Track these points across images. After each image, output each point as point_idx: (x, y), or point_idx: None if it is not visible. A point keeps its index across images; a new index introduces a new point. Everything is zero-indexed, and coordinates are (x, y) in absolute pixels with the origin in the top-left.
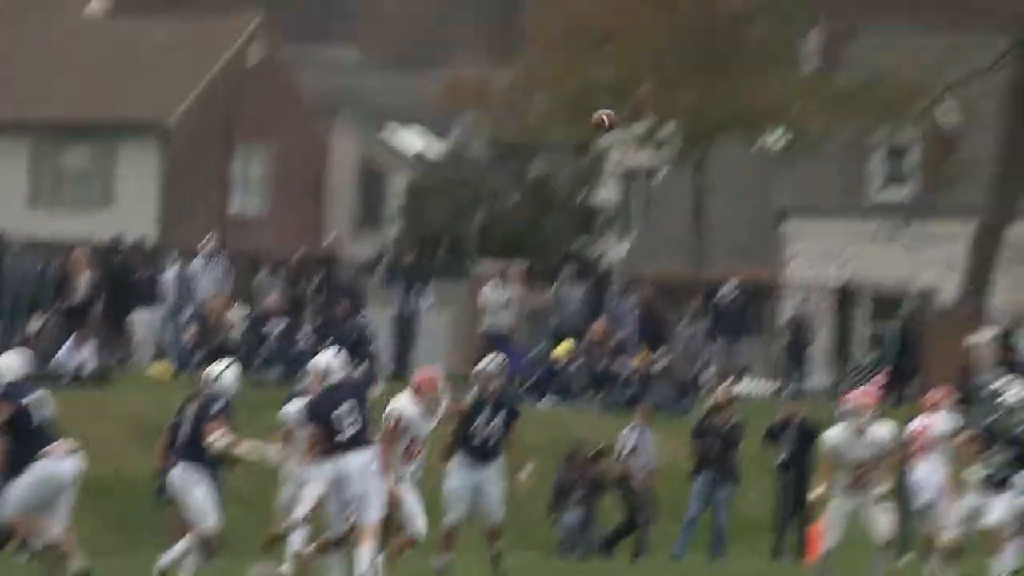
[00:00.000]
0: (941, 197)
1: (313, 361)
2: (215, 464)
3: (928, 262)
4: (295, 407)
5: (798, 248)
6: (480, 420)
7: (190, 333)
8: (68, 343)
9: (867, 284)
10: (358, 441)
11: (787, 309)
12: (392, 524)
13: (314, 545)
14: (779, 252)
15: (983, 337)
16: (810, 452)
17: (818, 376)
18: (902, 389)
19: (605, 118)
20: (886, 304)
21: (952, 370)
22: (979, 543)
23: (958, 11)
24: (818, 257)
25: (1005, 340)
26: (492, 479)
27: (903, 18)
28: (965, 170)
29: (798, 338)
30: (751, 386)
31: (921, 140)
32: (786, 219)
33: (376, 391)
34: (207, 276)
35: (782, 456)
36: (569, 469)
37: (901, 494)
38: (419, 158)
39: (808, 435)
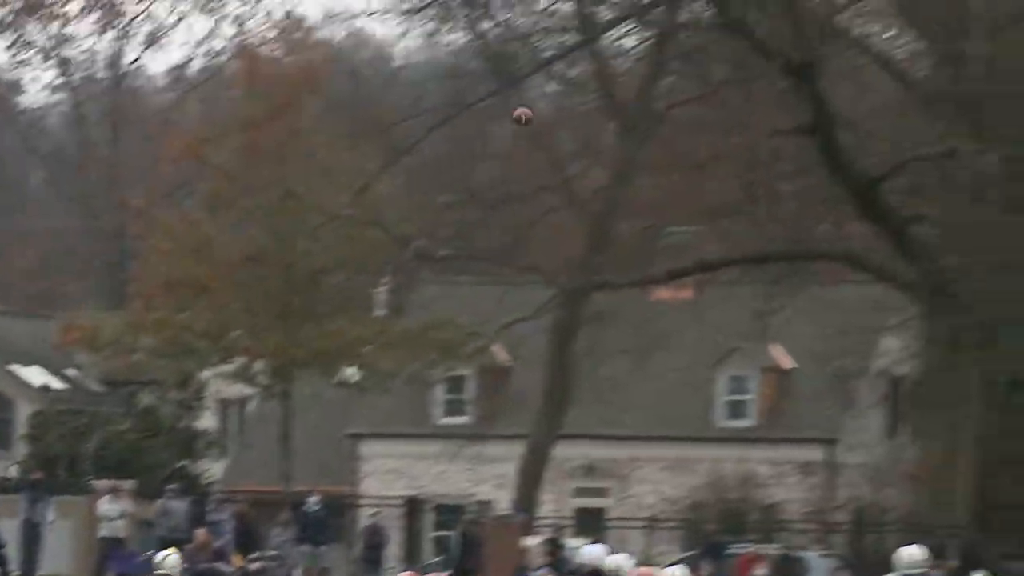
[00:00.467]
0: (495, 423)
1: None
2: None
3: (485, 478)
4: None
5: (372, 466)
6: None
7: None
8: None
9: (432, 497)
10: None
11: (363, 519)
12: None
13: None
14: (356, 470)
15: (534, 541)
16: None
17: None
18: None
19: (523, 116)
20: (449, 514)
21: (507, 569)
22: None
23: (508, 267)
24: (389, 474)
25: (552, 543)
26: None
27: (461, 273)
28: (514, 400)
29: (374, 543)
30: None
31: (477, 375)
32: (361, 441)
33: None
34: None
35: None
36: None
37: None
38: (43, 389)
39: None
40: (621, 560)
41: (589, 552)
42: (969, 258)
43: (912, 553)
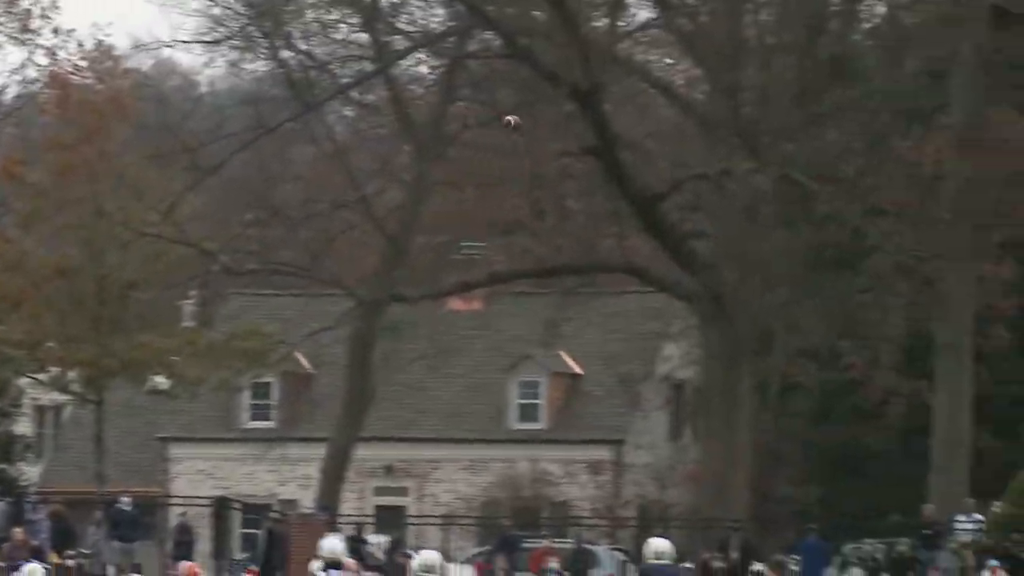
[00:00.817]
0: (298, 426)
1: None
2: None
3: (289, 478)
4: None
5: (182, 468)
6: None
7: None
8: None
9: (240, 496)
10: None
11: (173, 517)
12: None
13: None
14: (166, 471)
15: (336, 537)
16: None
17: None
18: None
19: (511, 120)
20: (256, 512)
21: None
22: None
23: (310, 281)
24: (198, 475)
25: (355, 540)
26: None
27: (265, 286)
28: (317, 405)
29: (183, 540)
30: None
31: (281, 381)
32: (171, 444)
33: None
34: None
35: None
36: None
37: None
38: None
39: None
40: (432, 556)
41: (329, 545)
42: (743, 271)
43: (659, 545)
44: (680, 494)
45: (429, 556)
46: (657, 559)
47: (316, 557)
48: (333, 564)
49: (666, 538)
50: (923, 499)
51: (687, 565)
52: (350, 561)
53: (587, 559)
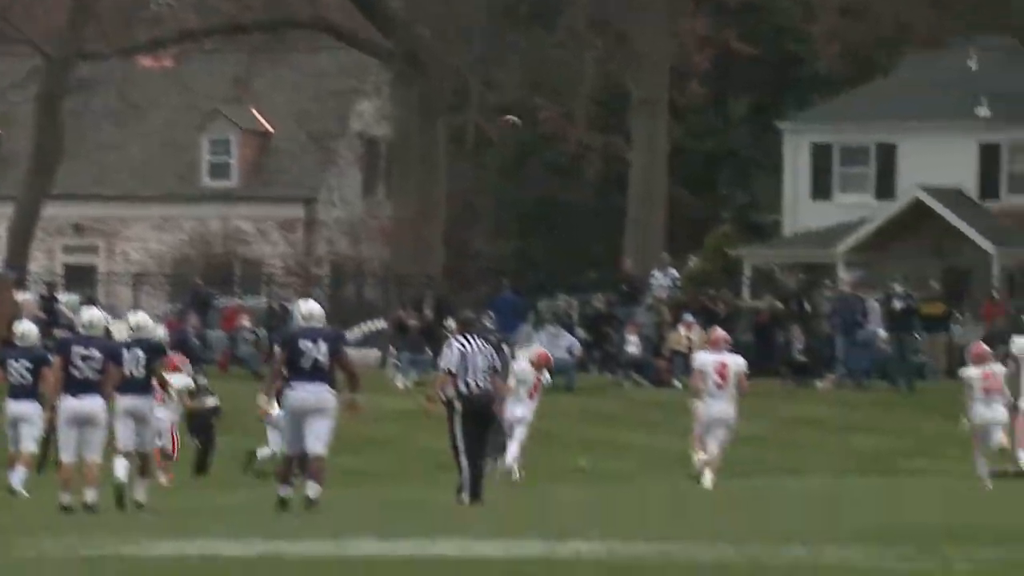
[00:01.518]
0: None
1: None
2: None
3: None
4: None
5: None
6: None
7: None
8: None
9: None
10: None
11: None
12: None
13: None
14: None
15: (25, 295)
16: None
17: None
18: None
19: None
20: None
21: (3, 323)
22: None
23: None
24: None
25: (46, 300)
26: None
27: None
28: (6, 164)
29: None
30: None
31: None
32: None
33: None
34: None
35: None
36: None
37: None
38: None
39: None
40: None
41: (88, 315)
42: (437, 27)
43: (309, 308)
44: (374, 250)
45: (93, 314)
46: (306, 322)
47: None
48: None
49: (317, 301)
50: (619, 254)
51: (382, 325)
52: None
53: (280, 316)
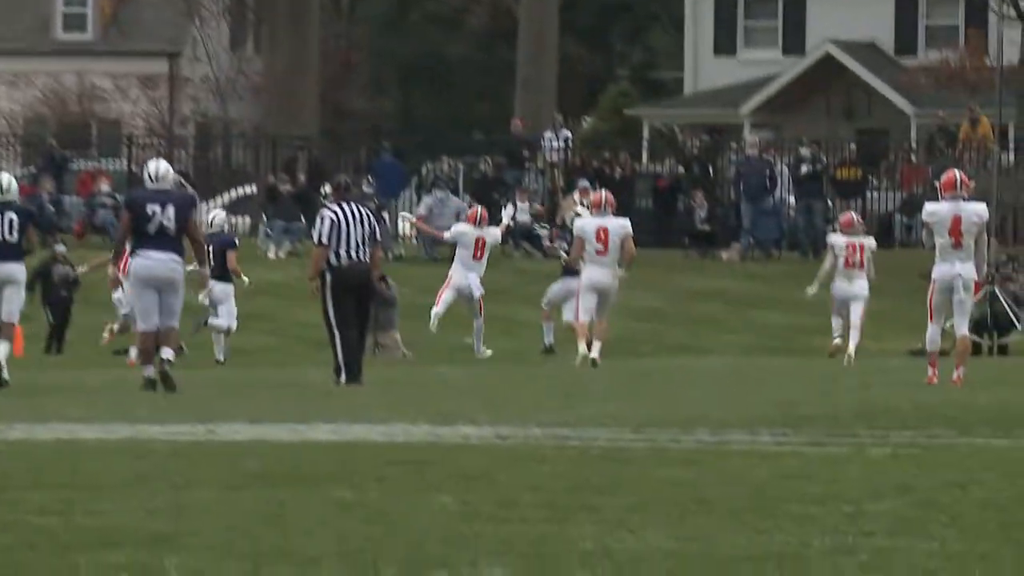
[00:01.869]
0: None
1: None
2: None
3: None
4: None
5: None
6: None
7: None
8: None
9: None
10: None
11: None
12: None
13: None
14: None
15: None
16: None
17: None
18: None
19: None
20: None
21: None
22: None
23: None
24: None
25: None
26: None
27: None
28: None
29: None
30: None
31: None
32: None
33: None
34: None
35: None
36: None
37: None
38: None
39: None
40: None
41: None
42: None
43: (157, 167)
44: (243, 109)
45: None
46: (155, 183)
47: None
48: None
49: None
50: (509, 114)
51: (252, 190)
52: None
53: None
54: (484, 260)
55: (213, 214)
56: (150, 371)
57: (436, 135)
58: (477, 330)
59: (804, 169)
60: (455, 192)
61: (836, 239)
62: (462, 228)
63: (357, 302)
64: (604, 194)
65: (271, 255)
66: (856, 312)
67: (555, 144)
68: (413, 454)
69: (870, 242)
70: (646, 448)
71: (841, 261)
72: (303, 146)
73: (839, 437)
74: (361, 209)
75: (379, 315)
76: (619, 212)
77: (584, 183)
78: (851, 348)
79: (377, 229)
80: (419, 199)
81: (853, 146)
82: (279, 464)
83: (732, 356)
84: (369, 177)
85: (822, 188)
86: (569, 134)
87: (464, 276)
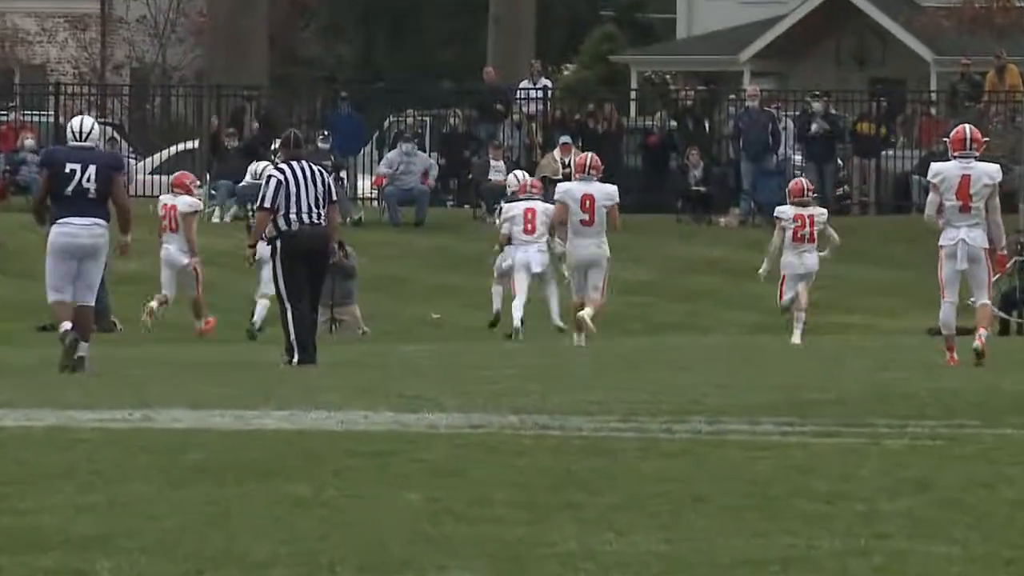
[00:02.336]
0: None
1: None
2: None
3: None
4: None
5: None
6: None
7: None
8: None
9: None
10: None
11: None
12: None
13: None
14: None
15: None
16: None
17: None
18: None
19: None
20: None
21: None
22: None
23: None
24: None
25: None
26: None
27: None
28: None
29: None
30: None
31: None
32: None
33: None
34: None
35: None
36: None
37: None
38: None
39: None
40: None
41: None
42: None
43: (83, 124)
44: (184, 55)
45: None
46: (77, 140)
47: None
48: None
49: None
50: (481, 62)
51: (194, 145)
52: None
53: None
54: (540, 232)
55: (259, 166)
56: (67, 325)
57: (400, 84)
58: (553, 303)
59: (814, 128)
60: (421, 149)
61: (784, 211)
62: (505, 207)
63: (311, 272)
64: (589, 156)
65: (215, 219)
66: (803, 292)
67: (533, 94)
68: (375, 444)
69: (820, 214)
70: (635, 439)
71: (789, 234)
72: (251, 96)
73: (850, 427)
74: (314, 168)
75: (336, 288)
76: (605, 172)
77: (565, 138)
78: (796, 337)
79: (333, 190)
80: (380, 157)
81: (876, 101)
82: (224, 456)
83: (731, 335)
84: (325, 131)
85: (832, 149)
86: (548, 83)
87: (523, 255)
